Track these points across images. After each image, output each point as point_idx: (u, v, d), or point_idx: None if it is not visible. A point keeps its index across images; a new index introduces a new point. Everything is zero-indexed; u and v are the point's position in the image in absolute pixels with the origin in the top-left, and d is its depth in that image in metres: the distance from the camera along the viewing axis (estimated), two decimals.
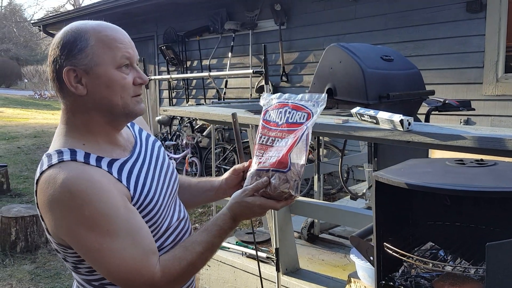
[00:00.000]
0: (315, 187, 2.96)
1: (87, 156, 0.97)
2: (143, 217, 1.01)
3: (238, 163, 1.27)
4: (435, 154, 2.35)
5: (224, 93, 6.67)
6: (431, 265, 1.18)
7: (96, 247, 0.90)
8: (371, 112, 1.65)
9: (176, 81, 7.37)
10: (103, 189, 0.93)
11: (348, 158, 3.65)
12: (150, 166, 1.09)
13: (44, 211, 0.93)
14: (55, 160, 0.94)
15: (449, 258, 1.29)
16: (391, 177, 1.17)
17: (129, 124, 1.17)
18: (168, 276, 0.96)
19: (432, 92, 2.79)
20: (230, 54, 6.44)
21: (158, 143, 1.21)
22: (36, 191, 0.95)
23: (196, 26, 6.97)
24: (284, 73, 5.88)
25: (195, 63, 7.23)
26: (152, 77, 2.64)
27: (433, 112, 2.89)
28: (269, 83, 2.06)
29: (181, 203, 1.20)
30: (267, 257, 2.36)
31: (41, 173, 0.94)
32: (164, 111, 2.44)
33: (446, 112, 2.93)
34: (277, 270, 2.17)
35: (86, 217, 0.89)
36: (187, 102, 7.27)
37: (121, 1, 7.17)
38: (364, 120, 1.70)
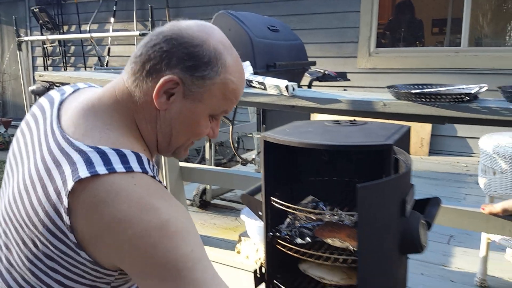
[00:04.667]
0: (207, 155, 3.01)
1: (153, 169, 0.76)
2: None
3: None
4: (316, 118, 2.55)
5: (107, 62, 6.30)
6: (312, 215, 1.30)
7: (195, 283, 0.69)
8: (260, 78, 1.72)
9: (52, 47, 6.74)
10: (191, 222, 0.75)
11: (238, 127, 3.76)
12: None
13: (106, 237, 0.69)
14: (118, 166, 0.70)
15: (327, 209, 1.43)
16: (277, 136, 1.24)
17: None
18: None
19: (314, 63, 2.99)
20: (112, 19, 6.06)
21: None
22: (71, 192, 0.69)
23: None
24: None
25: (73, 27, 6.67)
26: (26, 38, 2.38)
27: (314, 82, 3.09)
28: None
29: None
30: None
31: (94, 177, 0.68)
32: (40, 76, 2.24)
33: (325, 82, 3.16)
34: None
35: (181, 254, 0.69)
36: (65, 70, 6.72)
37: None
38: (253, 87, 1.77)
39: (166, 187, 0.76)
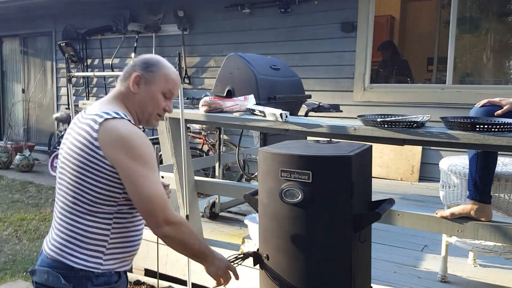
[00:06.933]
0: (217, 173, 3.48)
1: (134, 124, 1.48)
2: None
3: None
4: None
5: None
6: None
7: (144, 174, 1.34)
8: (260, 107, 2.21)
9: (76, 78, 7.36)
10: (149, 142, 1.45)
11: (244, 151, 4.26)
12: None
13: (112, 144, 1.32)
14: (115, 115, 1.37)
15: None
16: (270, 149, 1.72)
17: None
18: (177, 224, 1.38)
19: (309, 96, 3.48)
20: (133, 54, 6.67)
21: None
22: (98, 130, 1.33)
23: (98, 25, 7.07)
24: (186, 76, 6.31)
25: (96, 61, 7.31)
26: (77, 74, 2.89)
27: (310, 113, 3.57)
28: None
29: None
30: None
31: (106, 119, 1.34)
32: (83, 104, 2.73)
33: (320, 112, 3.64)
34: None
35: (143, 152, 1.35)
36: (87, 99, 7.30)
37: None
38: (256, 114, 2.26)
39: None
